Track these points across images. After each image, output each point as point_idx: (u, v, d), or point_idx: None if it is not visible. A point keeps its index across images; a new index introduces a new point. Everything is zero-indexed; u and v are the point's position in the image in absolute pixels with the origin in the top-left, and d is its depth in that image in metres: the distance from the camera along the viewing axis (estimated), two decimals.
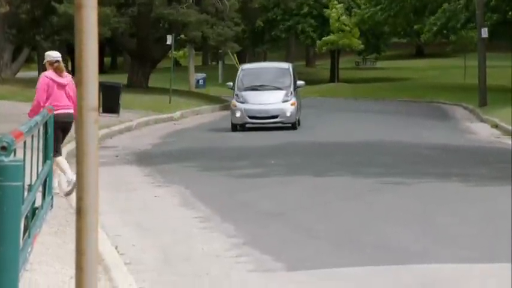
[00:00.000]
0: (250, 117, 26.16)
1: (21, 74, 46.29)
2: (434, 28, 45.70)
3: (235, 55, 51.07)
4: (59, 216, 10.62)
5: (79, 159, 3.45)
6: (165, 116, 30.09)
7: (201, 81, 48.36)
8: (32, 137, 9.45)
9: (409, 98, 42.12)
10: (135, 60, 41.61)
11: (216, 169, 16.77)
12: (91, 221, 3.45)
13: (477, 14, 34.55)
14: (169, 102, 33.29)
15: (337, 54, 58.04)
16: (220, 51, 48.17)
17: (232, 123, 26.37)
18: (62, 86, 12.74)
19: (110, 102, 27.49)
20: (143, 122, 27.72)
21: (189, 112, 32.34)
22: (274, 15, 59.40)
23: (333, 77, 57.65)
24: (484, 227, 10.72)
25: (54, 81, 12.75)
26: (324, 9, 57.09)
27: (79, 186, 3.48)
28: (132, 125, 26.52)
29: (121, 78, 37.95)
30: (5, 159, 5.57)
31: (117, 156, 19.20)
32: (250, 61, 71.13)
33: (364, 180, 14.77)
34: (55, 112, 12.03)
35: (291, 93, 26.47)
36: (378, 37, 59.81)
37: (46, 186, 10.65)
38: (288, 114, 25.99)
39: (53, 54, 13.05)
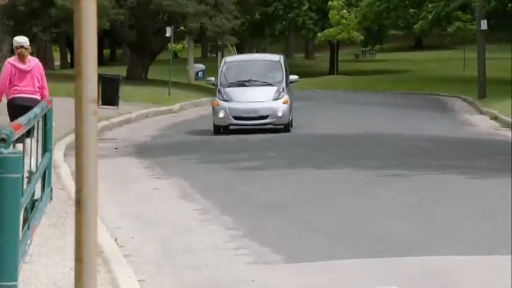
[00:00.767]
0: (236, 118, 22.34)
1: None
2: (430, 16, 45.71)
3: (234, 47, 51.02)
4: (58, 208, 10.62)
5: (78, 151, 3.44)
6: (164, 108, 30.08)
7: (200, 74, 48.30)
8: (32, 128, 9.44)
9: (408, 90, 42.12)
10: (134, 52, 41.57)
11: (216, 161, 16.77)
12: (90, 213, 3.45)
13: (476, 7, 34.51)
14: (169, 95, 33.28)
15: (336, 47, 57.99)
16: (219, 43, 48.10)
17: (214, 124, 22.59)
18: (24, 72, 12.89)
19: (109, 95, 27.48)
20: (142, 114, 27.71)
21: (188, 104, 32.33)
22: (275, 9, 59.39)
23: (332, 70, 57.62)
24: (483, 219, 10.72)
25: (15, 67, 12.93)
26: (327, 2, 57.05)
27: (78, 178, 3.47)
28: (131, 117, 26.51)
29: (120, 71, 37.93)
30: (4, 151, 5.57)
31: (116, 148, 19.19)
32: (249, 53, 71.01)
33: (363, 172, 14.78)
34: (12, 96, 12.37)
35: (283, 89, 22.72)
36: (379, 29, 59.73)
37: (45, 178, 10.65)
38: (280, 114, 22.28)
39: (18, 40, 13.22)
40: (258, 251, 9.19)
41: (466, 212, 11.25)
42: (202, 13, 37.95)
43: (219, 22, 38.60)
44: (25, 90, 12.93)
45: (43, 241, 8.73)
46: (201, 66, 49.63)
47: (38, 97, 13.02)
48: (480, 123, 25.38)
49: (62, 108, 16.21)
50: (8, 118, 12.71)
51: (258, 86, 22.88)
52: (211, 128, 22.90)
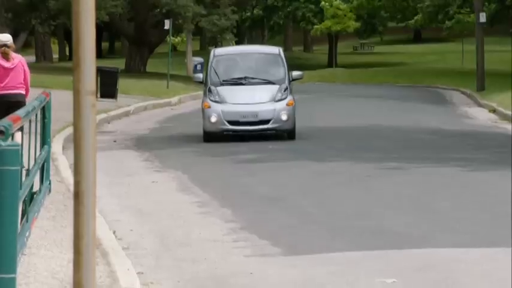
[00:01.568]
0: (231, 123, 18.43)
1: None
2: (429, 9, 45.67)
3: (233, 41, 50.96)
4: (57, 200, 10.62)
5: (76, 143, 3.44)
6: (162, 101, 30.06)
7: (198, 66, 48.26)
8: (30, 121, 9.43)
9: (407, 82, 42.09)
10: (132, 45, 41.54)
11: (215, 154, 16.76)
12: (88, 205, 3.44)
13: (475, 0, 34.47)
14: (167, 87, 33.25)
15: (335, 39, 57.99)
16: (218, 36, 48.04)
17: (204, 131, 18.60)
18: (8, 70, 13.04)
19: (107, 87, 27.45)
20: (141, 107, 27.70)
21: (186, 97, 32.32)
22: (275, 2, 59.39)
23: (331, 62, 57.59)
24: (482, 211, 10.72)
25: None
26: None
27: (76, 170, 3.47)
28: (129, 110, 26.50)
29: (119, 63, 37.91)
30: (3, 143, 5.56)
31: (115, 141, 19.19)
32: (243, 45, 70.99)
33: (363, 165, 14.78)
34: None
35: (287, 88, 18.86)
36: (373, 16, 59.71)
37: (44, 170, 10.65)
38: (285, 117, 18.47)
39: (1, 38, 13.31)
40: (257, 243, 9.19)
41: (465, 204, 11.26)
42: (198, 14, 37.87)
43: (216, 21, 38.51)
44: (10, 86, 13.11)
45: (42, 234, 8.73)
46: (199, 59, 49.53)
47: (23, 91, 13.18)
48: (479, 115, 25.38)
49: (61, 101, 16.20)
50: None
51: (256, 85, 18.87)
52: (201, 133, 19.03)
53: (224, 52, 20.16)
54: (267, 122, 18.55)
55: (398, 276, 7.74)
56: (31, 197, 8.94)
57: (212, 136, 18.51)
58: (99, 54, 58.75)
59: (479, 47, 33.32)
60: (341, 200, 11.66)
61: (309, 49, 70.05)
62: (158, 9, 39.13)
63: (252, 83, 19.01)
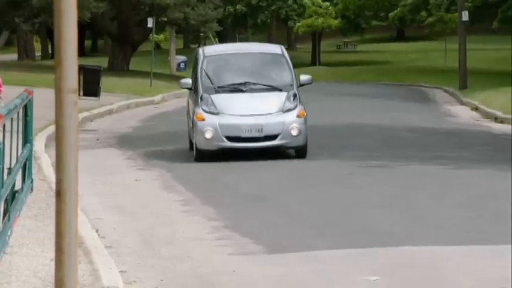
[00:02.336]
0: (230, 139, 15.22)
1: (0, 57, 45.93)
2: (411, 7, 45.84)
3: (216, 38, 50.97)
4: (39, 199, 10.58)
5: (58, 142, 3.43)
6: (146, 99, 30.01)
7: (182, 65, 48.20)
8: (12, 120, 9.39)
9: (390, 81, 42.20)
10: (115, 43, 41.44)
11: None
12: (70, 204, 3.43)
13: None
14: (150, 86, 33.20)
15: (318, 37, 58.08)
16: (201, 33, 48.03)
17: (197, 148, 15.26)
18: None
19: (90, 85, 27.37)
20: (124, 105, 27.64)
21: (170, 95, 32.27)
22: (259, 1, 59.49)
23: (314, 61, 57.66)
24: (465, 209, 10.76)
25: None
26: None
27: (58, 169, 3.46)
28: (112, 108, 26.44)
29: (102, 62, 37.81)
30: None
31: (97, 139, 19.14)
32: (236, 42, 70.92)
33: (346, 163, 14.80)
34: None
35: (296, 96, 15.67)
36: (357, 15, 59.86)
37: (26, 169, 10.60)
38: (295, 132, 15.23)
39: None
40: (240, 241, 9.19)
41: (448, 202, 11.29)
42: (183, 3, 37.85)
43: (201, 11, 38.54)
44: None
45: (24, 232, 8.70)
46: (182, 57, 49.51)
47: None
48: (461, 114, 25.47)
49: (43, 99, 16.15)
50: None
51: (259, 92, 15.60)
52: (188, 148, 16.35)
53: (216, 51, 16.62)
54: (273, 137, 15.24)
55: (381, 274, 7.76)
56: (13, 195, 8.90)
57: (206, 155, 15.16)
58: (82, 53, 58.59)
59: (462, 45, 33.46)
60: (324, 198, 11.68)
61: (292, 47, 70.13)
62: (142, 6, 39.05)
63: (254, 90, 15.62)
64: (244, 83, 15.74)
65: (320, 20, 55.79)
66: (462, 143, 17.99)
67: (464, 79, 33.25)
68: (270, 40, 68.32)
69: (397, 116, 24.27)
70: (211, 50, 16.88)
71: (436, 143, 18.27)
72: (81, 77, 27.17)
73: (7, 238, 7.95)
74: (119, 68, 39.98)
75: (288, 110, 15.52)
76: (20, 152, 10.10)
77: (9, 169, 8.89)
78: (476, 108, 25.91)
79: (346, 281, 7.65)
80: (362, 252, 8.61)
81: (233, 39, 63.87)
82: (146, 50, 49.09)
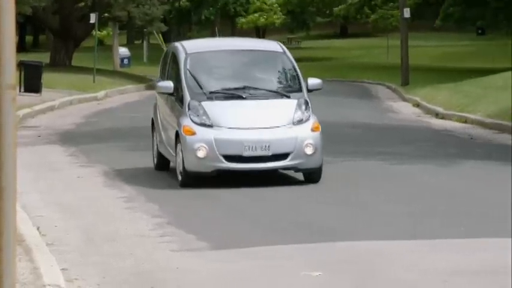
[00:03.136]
0: (229, 159, 12.19)
1: None
2: (355, 5, 46.24)
3: (160, 34, 50.74)
4: None
5: None
6: (88, 95, 29.76)
7: (125, 61, 47.90)
8: None
9: (333, 77, 42.46)
10: (57, 38, 41.00)
11: (142, 149, 16.65)
12: (9, 201, 3.39)
13: None
14: (93, 82, 32.93)
15: (262, 33, 58.22)
16: (145, 30, 47.77)
17: (185, 170, 12.16)
18: None
19: (31, 81, 27.05)
20: (66, 102, 27.37)
21: (113, 91, 32.04)
22: None
23: None
24: (405, 205, 10.88)
25: None
26: None
27: None
28: (54, 104, 26.16)
29: (43, 57, 37.39)
30: None
31: (39, 136, 18.93)
32: (176, 41, 70.13)
33: None
34: None
35: (307, 103, 12.77)
36: (302, 11, 60.14)
37: None
38: (310, 150, 12.28)
39: None
40: (184, 238, 9.17)
41: (390, 197, 11.41)
42: (128, 0, 37.61)
43: (147, 10, 38.30)
44: None
45: None
46: (126, 53, 49.21)
47: None
48: (403, 110, 25.73)
49: None
50: None
51: (263, 99, 12.54)
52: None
53: (201, 48, 13.39)
54: (283, 156, 12.21)
55: (323, 269, 7.81)
56: None
57: (197, 178, 12.13)
58: (23, 48, 57.84)
59: (404, 42, 33.81)
60: (266, 194, 11.70)
61: None
62: (84, 2, 38.69)
63: (256, 96, 12.55)
64: (243, 88, 12.60)
65: (263, 18, 55.96)
66: (404, 139, 18.17)
67: (406, 75, 33.60)
68: (214, 35, 68.31)
69: (340, 112, 24.43)
70: (195, 46, 13.42)
71: (378, 138, 18.44)
72: (22, 73, 26.85)
73: None
74: (61, 63, 39.58)
75: (300, 122, 12.47)
76: None
77: None
78: (417, 105, 26.21)
79: (289, 276, 7.68)
80: (305, 248, 8.65)
81: (177, 35, 63.71)
82: (89, 45, 48.68)
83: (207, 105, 12.37)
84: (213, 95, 12.49)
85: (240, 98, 12.51)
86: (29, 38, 68.41)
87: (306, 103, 12.75)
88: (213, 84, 12.71)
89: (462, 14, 39.24)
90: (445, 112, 22.65)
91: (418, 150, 16.17)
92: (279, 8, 56.01)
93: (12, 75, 3.44)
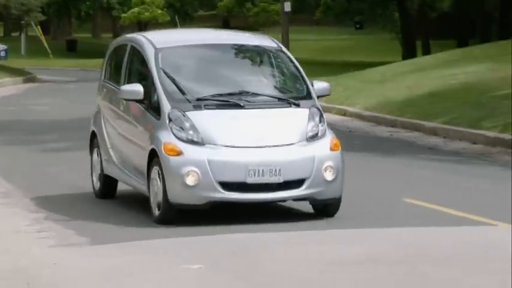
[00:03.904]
0: (228, 187, 9.25)
1: None
2: None
3: (38, 26, 49.70)
4: None
5: None
6: None
7: (2, 53, 46.71)
8: None
9: None
10: None
11: (21, 143, 16.26)
12: None
13: None
14: None
15: (144, 27, 57.77)
16: (22, 22, 46.64)
17: (168, 202, 9.23)
18: None
19: None
20: None
21: None
22: None
23: None
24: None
25: None
26: None
27: None
28: None
29: None
30: None
31: None
32: (56, 35, 69.75)
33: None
34: None
35: (321, 114, 9.86)
36: (182, 5, 59.95)
37: None
38: (330, 176, 9.43)
39: None
40: (62, 233, 9.01)
41: None
42: None
43: (23, 0, 37.44)
44: None
45: None
46: (2, 45, 48.02)
47: None
48: None
49: None
50: None
51: (266, 108, 9.68)
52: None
53: (173, 42, 10.20)
54: (298, 184, 9.37)
55: (205, 262, 7.79)
56: None
57: (182, 211, 9.35)
58: None
59: (285, 35, 34.20)
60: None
61: (119, 36, 69.37)
62: None
63: (257, 105, 9.64)
64: (240, 93, 9.64)
65: (146, 13, 55.50)
66: None
67: None
68: (94, 30, 67.31)
69: None
70: (165, 40, 10.21)
71: None
72: None
73: None
74: None
75: (314, 138, 9.55)
76: None
77: None
78: None
79: (170, 270, 7.63)
80: (188, 241, 8.61)
81: (56, 28, 62.52)
82: None
83: (195, 116, 9.35)
84: (201, 103, 9.45)
85: (237, 106, 9.50)
86: None
87: (320, 113, 9.75)
88: (199, 89, 9.62)
89: (342, 8, 39.92)
90: (326, 105, 22.94)
91: None
92: (162, 2, 55.62)
93: None
